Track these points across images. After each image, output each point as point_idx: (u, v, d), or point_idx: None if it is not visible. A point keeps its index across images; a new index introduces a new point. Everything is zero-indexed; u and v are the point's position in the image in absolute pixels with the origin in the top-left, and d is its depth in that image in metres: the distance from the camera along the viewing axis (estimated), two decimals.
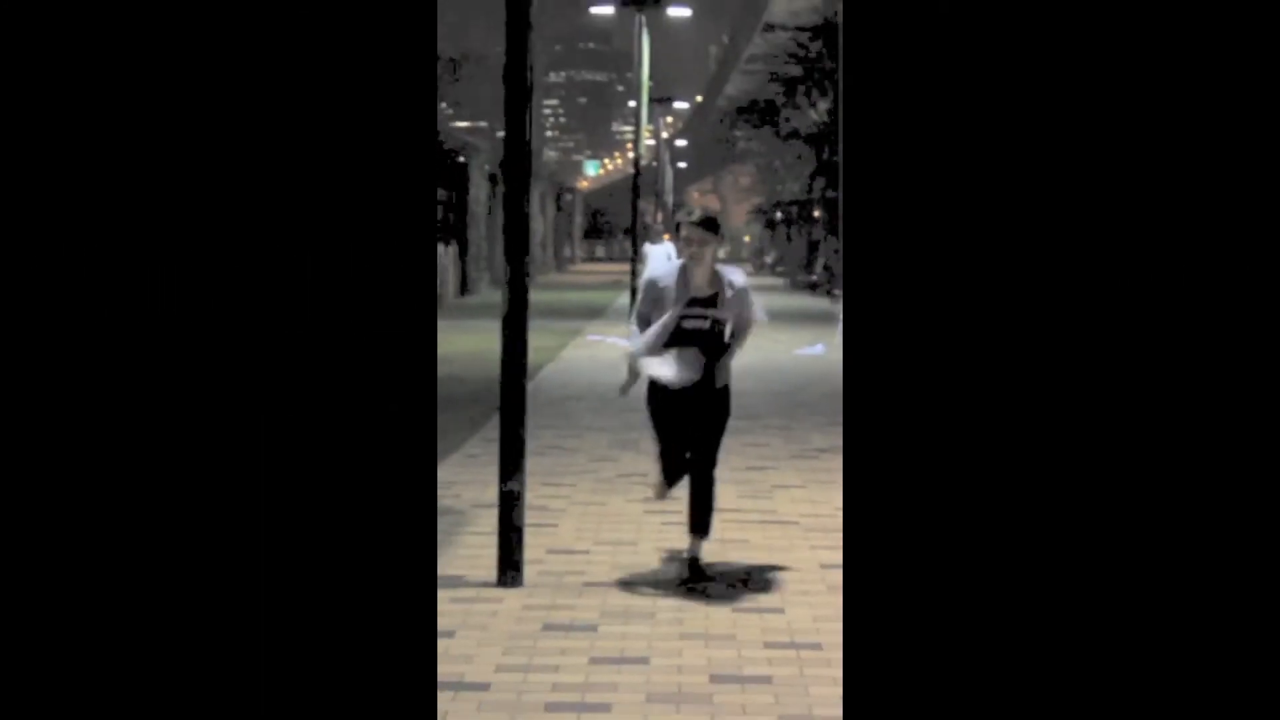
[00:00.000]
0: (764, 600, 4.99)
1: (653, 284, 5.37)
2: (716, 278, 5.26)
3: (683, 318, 5.14)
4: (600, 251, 69.08)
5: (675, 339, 5.16)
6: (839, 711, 3.37)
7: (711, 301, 5.21)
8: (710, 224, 5.31)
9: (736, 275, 5.31)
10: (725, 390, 5.45)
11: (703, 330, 5.17)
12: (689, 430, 5.37)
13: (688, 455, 5.43)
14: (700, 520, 5.34)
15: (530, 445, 5.31)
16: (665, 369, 5.19)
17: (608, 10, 25.68)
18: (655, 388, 5.33)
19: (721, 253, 5.57)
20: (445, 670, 4.13)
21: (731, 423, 10.35)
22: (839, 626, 4.31)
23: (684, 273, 5.25)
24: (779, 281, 42.37)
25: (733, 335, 5.32)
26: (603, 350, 15.92)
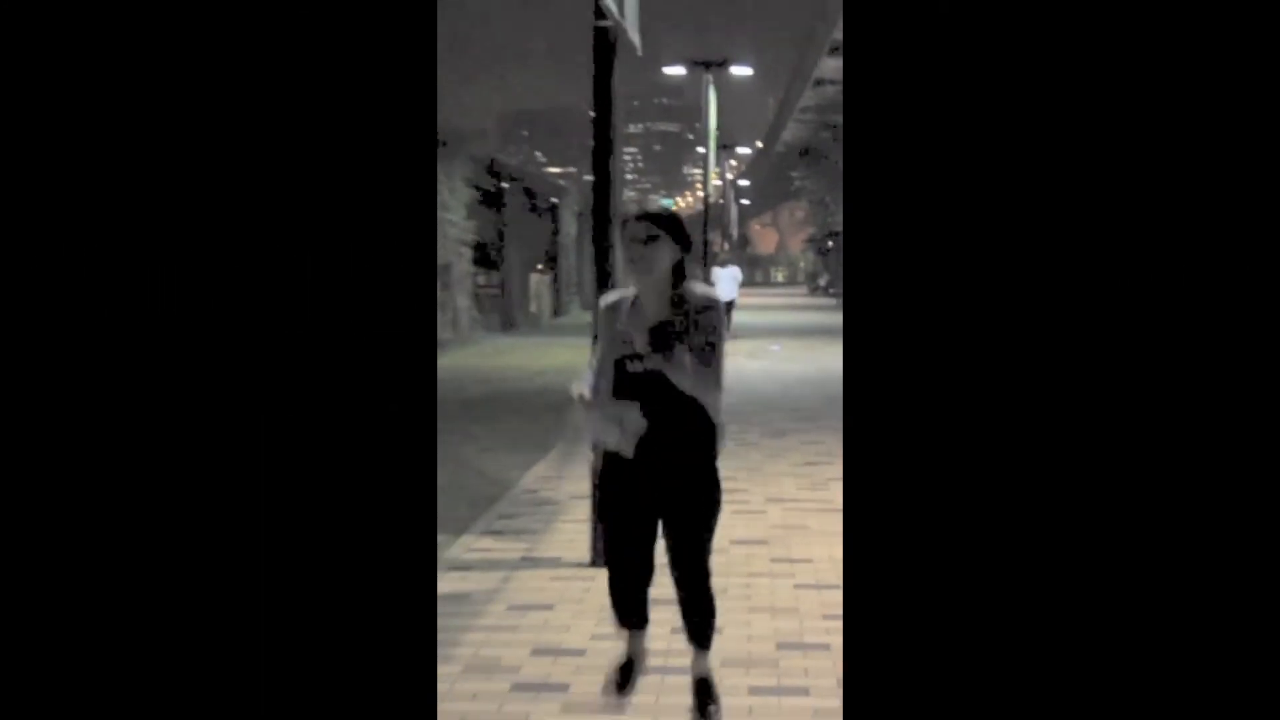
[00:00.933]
0: (823, 578, 4.95)
1: (604, 313, 3.25)
2: (679, 298, 3.06)
3: (625, 359, 3.06)
4: None
5: (620, 388, 3.09)
6: None
7: (668, 332, 3.00)
8: (664, 220, 3.05)
9: (726, 282, 3.52)
10: (709, 462, 3.18)
11: (653, 374, 3.00)
12: (651, 523, 3.25)
13: (660, 558, 3.32)
14: (698, 629, 3.47)
15: None
16: (607, 433, 3.17)
17: (680, 70, 25.74)
18: (607, 462, 3.25)
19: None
20: (547, 638, 4.15)
21: (790, 424, 10.18)
22: None
23: (631, 298, 3.15)
24: (832, 301, 42.05)
25: (701, 370, 3.03)
26: None
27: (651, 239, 3.01)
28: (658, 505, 3.20)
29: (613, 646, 4.06)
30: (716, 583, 4.30)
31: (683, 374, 2.97)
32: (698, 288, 3.10)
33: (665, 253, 3.03)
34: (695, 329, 3.00)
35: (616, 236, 2.95)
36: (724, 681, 3.72)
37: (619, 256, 3.33)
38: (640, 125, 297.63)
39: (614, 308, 3.17)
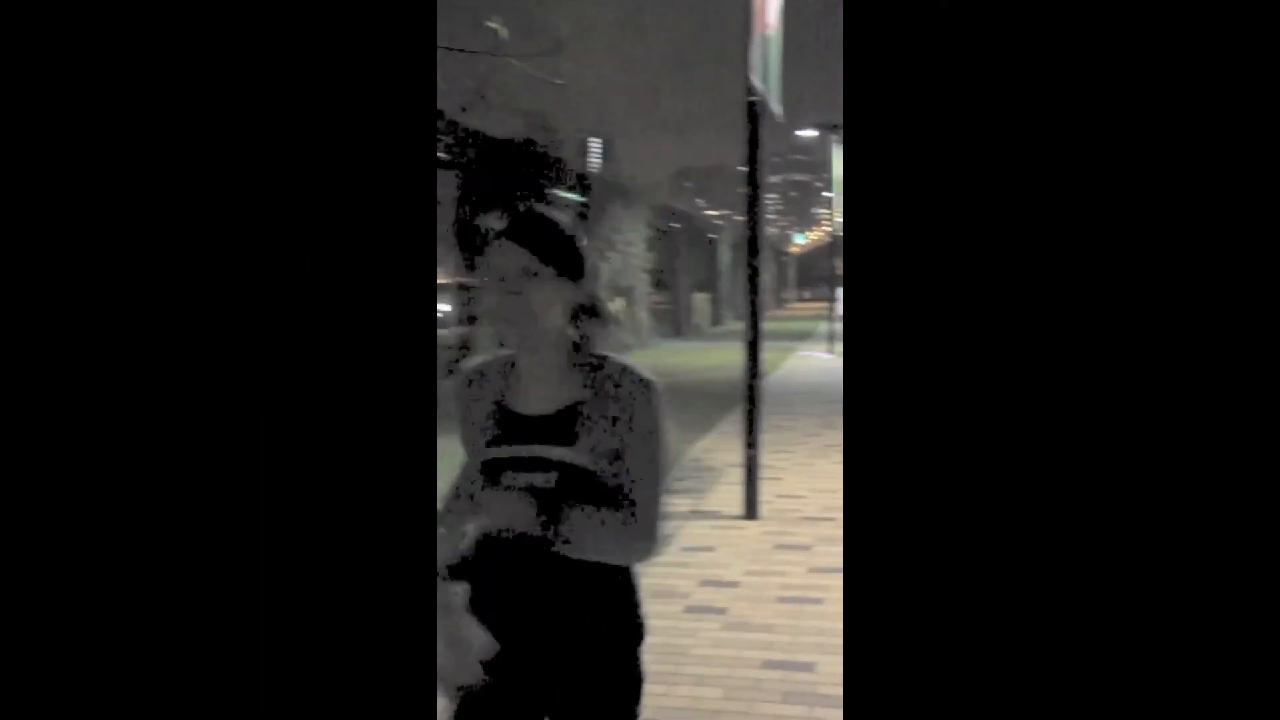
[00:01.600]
0: None
1: (461, 391, 1.51)
2: (574, 376, 1.39)
3: (495, 467, 1.39)
4: (808, 294, 68.54)
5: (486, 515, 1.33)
6: None
7: (561, 428, 1.36)
8: (547, 240, 1.36)
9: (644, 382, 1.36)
10: (625, 595, 1.45)
11: (542, 491, 1.34)
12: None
13: None
14: None
15: (763, 424, 5.30)
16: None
17: (812, 132, 25.52)
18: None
19: None
20: (710, 573, 4.17)
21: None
22: None
23: (502, 368, 1.46)
24: None
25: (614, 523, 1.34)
26: (811, 363, 15.70)
27: (522, 273, 1.37)
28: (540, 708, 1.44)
29: (761, 580, 4.06)
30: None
31: (583, 537, 1.35)
32: (617, 360, 1.42)
33: (550, 295, 1.39)
34: (604, 426, 1.37)
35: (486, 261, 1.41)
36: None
37: (485, 300, 1.42)
38: (779, 176, 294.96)
39: (475, 383, 1.51)
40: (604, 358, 1.41)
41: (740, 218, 5.56)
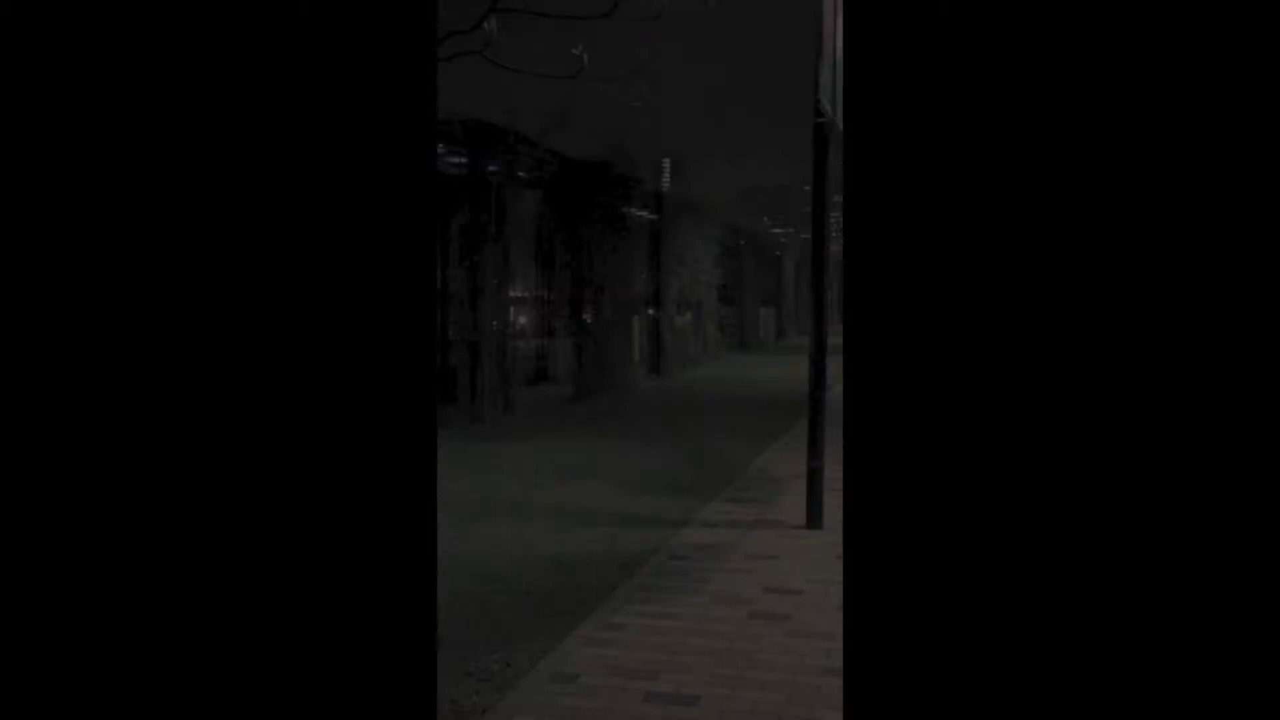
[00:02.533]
0: None
1: None
2: None
3: None
4: None
5: None
6: None
7: None
8: None
9: None
10: None
11: None
12: None
13: None
14: None
15: (827, 436, 5.21)
16: None
17: None
18: None
19: None
20: (774, 580, 4.10)
21: None
22: None
23: None
24: None
25: None
26: None
27: None
28: None
29: (823, 589, 3.97)
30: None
31: None
32: None
33: None
34: None
35: None
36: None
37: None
38: (842, 195, 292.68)
39: None
40: None
41: (805, 235, 5.49)
